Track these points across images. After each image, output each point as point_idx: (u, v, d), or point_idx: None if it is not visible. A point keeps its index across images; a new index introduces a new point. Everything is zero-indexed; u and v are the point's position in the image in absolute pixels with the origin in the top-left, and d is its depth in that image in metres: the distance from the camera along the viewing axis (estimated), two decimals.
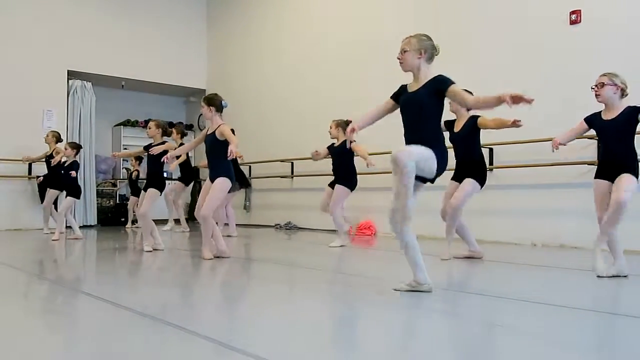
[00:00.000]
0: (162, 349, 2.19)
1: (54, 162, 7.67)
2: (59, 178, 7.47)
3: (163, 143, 5.69)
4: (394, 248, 5.53)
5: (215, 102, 4.99)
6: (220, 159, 4.87)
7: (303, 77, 9.36)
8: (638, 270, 4.34)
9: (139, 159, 9.40)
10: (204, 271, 4.39)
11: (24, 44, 9.29)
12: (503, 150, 6.47)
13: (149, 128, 5.83)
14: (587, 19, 5.95)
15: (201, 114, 6.02)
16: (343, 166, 6.03)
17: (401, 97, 3.26)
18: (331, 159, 6.22)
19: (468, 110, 4.76)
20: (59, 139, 8.09)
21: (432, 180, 3.14)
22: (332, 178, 6.27)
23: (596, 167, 4.09)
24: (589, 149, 5.78)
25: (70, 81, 9.90)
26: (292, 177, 9.44)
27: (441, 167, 3.09)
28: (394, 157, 2.89)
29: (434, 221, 5.40)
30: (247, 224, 10.11)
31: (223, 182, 4.87)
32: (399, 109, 3.31)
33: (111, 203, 10.69)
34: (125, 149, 11.18)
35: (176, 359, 2.04)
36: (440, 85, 3.08)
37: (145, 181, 5.86)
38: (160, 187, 5.71)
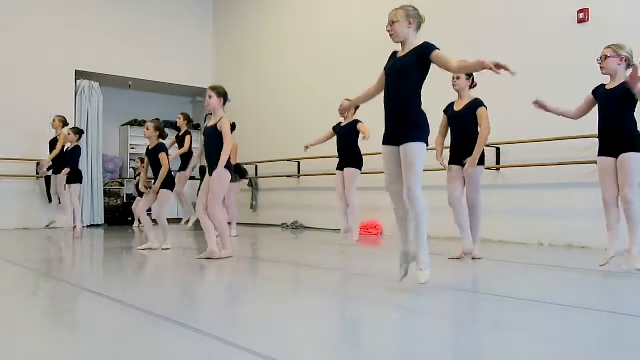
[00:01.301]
0: (168, 347, 2.20)
1: (58, 147, 7.75)
2: (63, 163, 7.52)
3: (159, 145, 5.63)
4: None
5: (225, 94, 4.86)
6: (217, 153, 4.72)
7: (310, 77, 9.36)
8: None
9: (144, 160, 9.42)
10: (211, 270, 4.40)
11: (32, 45, 9.35)
12: (509, 149, 6.44)
13: (147, 129, 5.69)
14: (595, 18, 5.92)
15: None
16: (350, 146, 6.02)
17: (388, 63, 3.34)
18: (336, 140, 6.20)
19: (471, 87, 4.77)
20: (65, 124, 8.08)
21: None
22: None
23: (598, 143, 4.02)
24: (596, 148, 5.74)
25: (77, 81, 9.96)
26: (298, 177, 9.45)
27: (428, 133, 3.20)
28: (409, 199, 3.08)
29: (440, 221, 5.38)
30: (253, 223, 10.13)
31: (223, 174, 4.72)
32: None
33: (118, 202, 10.75)
34: (133, 148, 11.24)
35: (182, 357, 2.05)
36: (425, 51, 3.14)
37: (153, 182, 5.81)
38: (171, 187, 5.70)
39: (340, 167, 6.14)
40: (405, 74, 3.17)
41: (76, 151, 7.24)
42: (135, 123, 11.61)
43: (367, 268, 4.68)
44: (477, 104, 4.67)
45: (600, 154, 3.92)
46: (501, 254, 5.40)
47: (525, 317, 2.71)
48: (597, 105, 4.02)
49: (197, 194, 7.92)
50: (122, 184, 11.07)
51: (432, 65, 3.20)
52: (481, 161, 4.70)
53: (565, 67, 6.04)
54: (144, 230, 5.77)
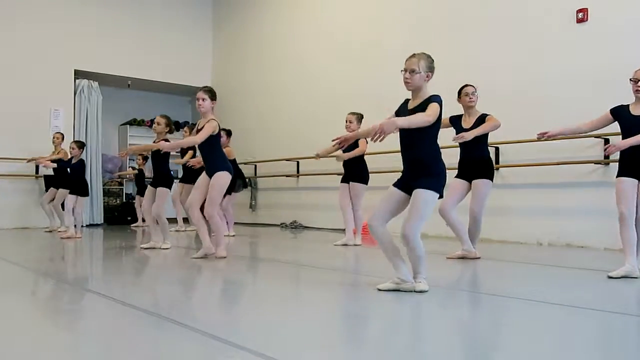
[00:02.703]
0: (168, 347, 2.20)
1: (49, 159, 7.89)
2: (67, 177, 7.55)
3: (167, 140, 5.53)
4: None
5: (216, 96, 4.92)
6: (214, 153, 4.77)
7: (308, 76, 9.36)
8: None
9: (145, 157, 9.42)
10: (211, 270, 4.40)
11: (31, 44, 9.34)
12: (509, 149, 6.45)
13: (158, 124, 5.62)
14: (594, 17, 5.92)
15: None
16: (356, 161, 5.98)
17: (400, 114, 3.30)
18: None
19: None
20: (62, 140, 8.34)
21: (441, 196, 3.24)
22: (337, 178, 6.27)
23: (618, 164, 3.86)
24: (595, 148, 5.76)
25: (77, 81, 9.96)
26: (297, 176, 9.45)
27: (444, 183, 3.22)
28: (403, 235, 3.10)
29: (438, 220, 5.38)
30: (252, 222, 10.13)
31: (223, 176, 4.74)
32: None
33: (117, 202, 10.75)
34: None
35: (182, 357, 2.05)
36: (428, 102, 3.12)
37: (152, 180, 5.80)
38: (169, 185, 5.68)
39: (346, 180, 6.09)
40: (418, 128, 3.08)
41: (82, 165, 7.31)
42: (134, 122, 11.61)
43: (366, 268, 4.68)
44: (483, 117, 4.71)
45: (623, 175, 3.75)
46: (501, 253, 5.41)
47: (527, 317, 2.71)
48: (618, 126, 3.90)
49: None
50: (121, 184, 11.07)
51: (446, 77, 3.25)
52: (490, 175, 4.76)
53: (564, 66, 6.05)
54: (148, 229, 5.74)
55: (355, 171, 6.02)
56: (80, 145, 7.34)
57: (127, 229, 9.35)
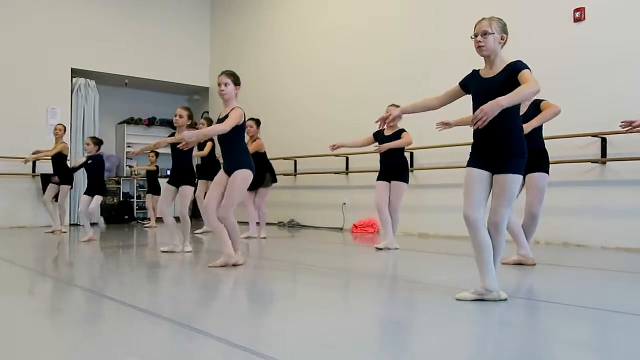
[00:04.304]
0: (167, 346, 2.20)
1: (48, 154, 7.75)
2: (69, 172, 7.49)
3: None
4: (397, 245, 5.56)
5: (240, 81, 4.39)
6: (236, 146, 4.20)
7: (305, 76, 9.37)
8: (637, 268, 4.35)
9: (157, 154, 9.35)
10: (214, 272, 4.38)
11: (28, 43, 9.31)
12: None
13: (180, 116, 5.17)
14: (591, 17, 5.94)
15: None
16: (397, 158, 5.47)
17: (473, 84, 2.99)
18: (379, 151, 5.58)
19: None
20: (64, 132, 8.10)
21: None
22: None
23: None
24: (592, 146, 5.78)
25: (74, 79, 9.93)
26: (295, 175, 9.45)
27: (525, 161, 2.90)
28: (494, 223, 2.82)
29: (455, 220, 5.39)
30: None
31: (244, 174, 4.18)
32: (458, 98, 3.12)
33: (115, 201, 10.73)
34: (129, 147, 11.17)
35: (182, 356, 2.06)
36: (515, 70, 2.81)
37: (171, 177, 5.28)
38: (193, 182, 5.27)
39: (386, 179, 5.53)
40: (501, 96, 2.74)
41: (100, 161, 6.78)
42: (132, 121, 11.59)
43: (367, 268, 4.67)
44: (536, 104, 4.39)
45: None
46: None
47: (526, 316, 2.71)
48: None
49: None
50: (118, 182, 11.05)
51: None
52: (546, 169, 4.32)
53: (562, 65, 6.06)
54: (182, 233, 5.26)
55: (398, 168, 5.48)
56: (97, 141, 6.77)
57: (124, 227, 9.32)
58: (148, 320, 2.56)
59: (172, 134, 5.51)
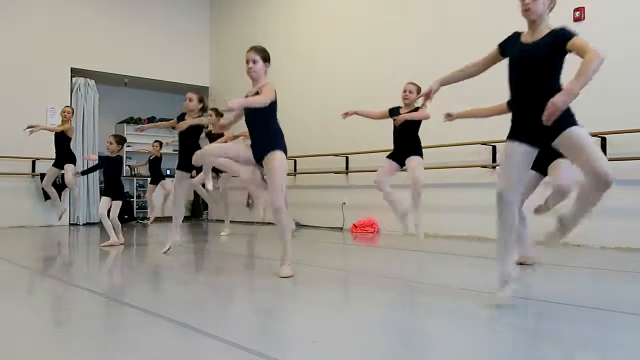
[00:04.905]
0: (167, 345, 2.20)
1: (51, 129, 7.58)
2: (71, 153, 7.39)
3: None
4: (398, 246, 5.56)
5: (269, 57, 3.98)
6: (267, 126, 3.75)
7: (304, 75, 9.36)
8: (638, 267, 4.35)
9: (161, 143, 9.29)
10: (214, 272, 4.38)
11: (28, 42, 9.30)
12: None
13: (190, 100, 5.01)
14: (591, 16, 5.93)
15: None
16: (412, 135, 5.23)
17: (511, 49, 2.82)
18: (393, 128, 5.35)
19: None
20: (72, 115, 7.89)
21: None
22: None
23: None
24: None
25: (73, 79, 9.93)
26: (295, 175, 9.45)
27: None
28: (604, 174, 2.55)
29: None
30: (250, 221, 10.12)
31: (281, 158, 3.73)
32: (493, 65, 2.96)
33: None
34: (129, 146, 11.16)
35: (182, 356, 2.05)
36: (563, 37, 2.64)
37: (179, 163, 5.14)
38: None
39: (397, 158, 5.25)
40: (544, 64, 2.66)
41: (119, 162, 6.29)
42: (132, 121, 11.59)
43: (368, 267, 4.67)
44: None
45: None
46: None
47: (522, 316, 2.71)
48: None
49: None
50: None
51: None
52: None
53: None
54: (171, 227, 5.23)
55: (412, 145, 5.20)
56: (120, 140, 6.29)
57: (124, 227, 9.30)
58: (147, 319, 2.56)
59: (181, 117, 5.24)
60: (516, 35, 2.83)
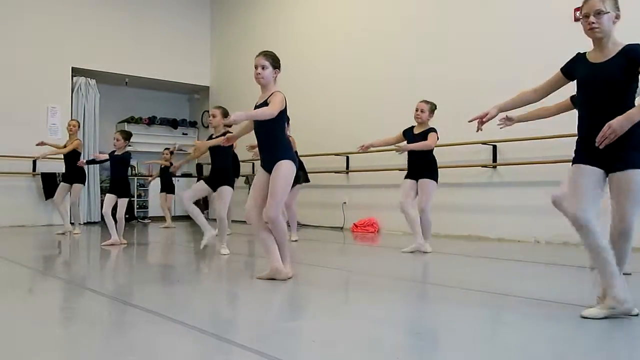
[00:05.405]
0: (167, 345, 2.20)
1: (61, 151, 7.43)
2: (82, 171, 7.27)
3: (224, 134, 4.89)
4: (398, 245, 5.55)
5: (280, 63, 3.80)
6: (277, 137, 3.64)
7: (305, 75, 9.36)
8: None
9: (172, 152, 9.23)
10: (212, 271, 4.38)
11: (29, 42, 9.31)
12: (506, 147, 6.46)
13: (213, 116, 5.14)
14: None
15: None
16: (423, 155, 5.20)
17: (579, 69, 2.67)
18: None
19: None
20: (79, 128, 7.86)
21: None
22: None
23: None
24: None
25: (74, 78, 9.94)
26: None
27: None
28: (624, 229, 2.45)
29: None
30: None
31: (288, 167, 3.60)
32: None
33: None
34: (129, 146, 11.11)
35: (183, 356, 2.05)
36: (636, 58, 2.47)
37: (211, 178, 5.26)
38: (232, 183, 5.22)
39: (413, 177, 5.27)
40: (616, 85, 2.50)
41: (127, 158, 6.19)
42: (132, 120, 11.59)
43: (369, 267, 4.67)
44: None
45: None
46: (497, 251, 5.41)
47: (523, 316, 2.72)
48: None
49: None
50: None
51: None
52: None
53: (561, 65, 6.04)
54: (220, 235, 5.24)
55: (425, 165, 5.21)
56: (127, 135, 6.21)
57: (125, 226, 9.28)
58: (148, 319, 2.57)
59: (210, 137, 5.39)
60: (581, 56, 2.72)
